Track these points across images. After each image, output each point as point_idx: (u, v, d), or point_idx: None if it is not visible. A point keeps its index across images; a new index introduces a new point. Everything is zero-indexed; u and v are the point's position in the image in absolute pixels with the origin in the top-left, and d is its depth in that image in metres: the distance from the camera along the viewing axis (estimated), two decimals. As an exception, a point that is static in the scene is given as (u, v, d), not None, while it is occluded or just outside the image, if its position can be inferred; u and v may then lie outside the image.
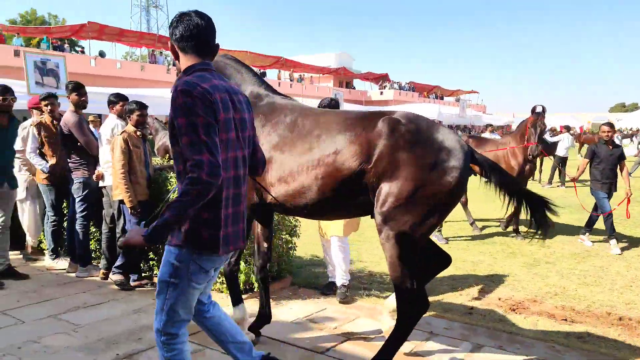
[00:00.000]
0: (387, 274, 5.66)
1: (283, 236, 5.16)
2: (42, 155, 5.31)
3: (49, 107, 5.34)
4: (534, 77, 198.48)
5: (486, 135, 14.76)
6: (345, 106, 41.65)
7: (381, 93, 52.62)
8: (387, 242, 2.88)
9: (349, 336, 3.87)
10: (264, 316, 3.71)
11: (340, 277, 4.67)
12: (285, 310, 4.39)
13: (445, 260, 3.48)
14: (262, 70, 41.65)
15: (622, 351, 3.76)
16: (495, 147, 7.97)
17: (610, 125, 7.14)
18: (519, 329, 4.14)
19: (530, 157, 7.44)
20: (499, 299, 4.89)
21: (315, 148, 2.97)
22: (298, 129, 3.09)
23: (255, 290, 4.60)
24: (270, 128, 3.16)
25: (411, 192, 2.77)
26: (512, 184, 3.15)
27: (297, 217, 5.35)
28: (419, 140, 2.82)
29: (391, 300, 3.68)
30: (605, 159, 6.95)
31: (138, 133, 4.82)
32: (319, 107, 4.53)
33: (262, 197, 3.23)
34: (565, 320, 4.36)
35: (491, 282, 5.45)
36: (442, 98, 61.62)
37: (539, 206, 3.09)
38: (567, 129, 17.25)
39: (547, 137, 14.98)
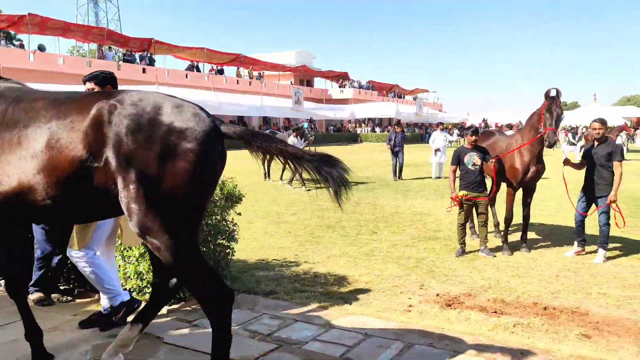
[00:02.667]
0: (333, 273, 5.67)
1: (219, 241, 5.05)
2: None
3: None
4: (487, 77, 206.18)
5: (437, 132, 15.03)
6: (306, 105, 41.99)
7: (341, 91, 52.97)
8: (158, 253, 2.53)
9: (281, 343, 3.82)
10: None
11: (103, 299, 3.91)
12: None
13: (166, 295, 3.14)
14: (219, 68, 41.12)
15: (542, 340, 3.86)
16: (505, 141, 6.96)
17: (601, 121, 6.34)
18: (451, 325, 4.18)
19: (547, 144, 6.18)
20: (437, 295, 4.94)
21: (24, 142, 2.55)
22: (7, 118, 2.63)
23: (187, 299, 4.46)
24: None
25: (150, 193, 2.39)
26: (274, 145, 2.63)
27: (234, 221, 5.26)
28: (142, 127, 2.38)
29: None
30: (594, 158, 6.30)
31: None
32: None
33: None
34: (496, 312, 4.45)
35: (431, 278, 5.51)
36: (400, 97, 62.65)
37: (317, 165, 2.63)
38: (509, 126, 17.96)
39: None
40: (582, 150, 6.74)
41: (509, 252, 6.47)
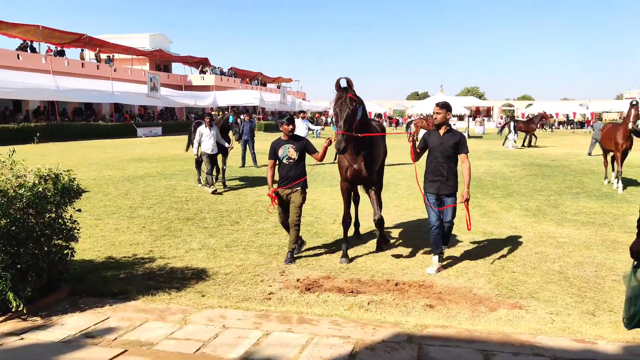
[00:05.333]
0: (191, 267, 5.38)
1: (56, 242, 4.46)
2: None
3: None
4: (345, 67, 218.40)
5: (299, 121, 15.41)
6: (164, 91, 39.68)
7: (202, 78, 51.16)
8: None
9: (128, 346, 3.50)
10: None
11: None
12: (55, 329, 3.80)
13: None
14: (59, 48, 36.74)
15: (393, 314, 4.11)
16: None
17: (443, 104, 5.18)
18: (310, 309, 4.23)
19: (337, 150, 5.12)
20: (297, 280, 4.97)
21: None
22: None
23: (13, 310, 3.85)
24: None
25: None
26: None
27: (74, 218, 4.70)
28: None
29: None
30: (435, 149, 5.22)
31: None
32: None
33: None
34: (352, 292, 4.61)
35: (292, 264, 5.52)
36: (264, 84, 62.64)
37: None
38: (379, 116, 19.21)
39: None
40: (420, 139, 5.48)
41: (346, 260, 5.54)
